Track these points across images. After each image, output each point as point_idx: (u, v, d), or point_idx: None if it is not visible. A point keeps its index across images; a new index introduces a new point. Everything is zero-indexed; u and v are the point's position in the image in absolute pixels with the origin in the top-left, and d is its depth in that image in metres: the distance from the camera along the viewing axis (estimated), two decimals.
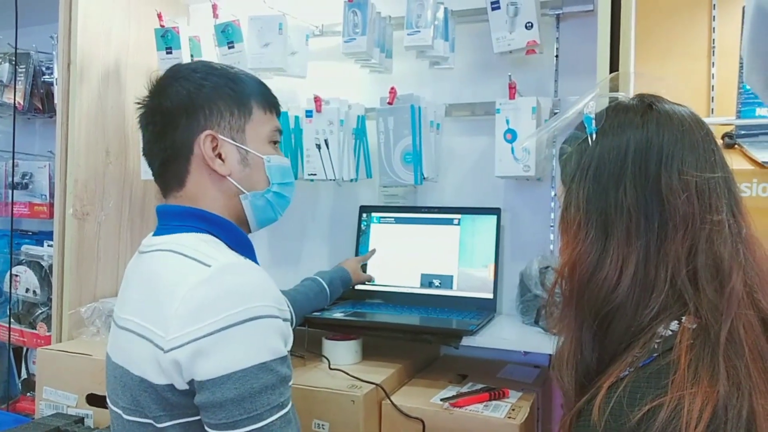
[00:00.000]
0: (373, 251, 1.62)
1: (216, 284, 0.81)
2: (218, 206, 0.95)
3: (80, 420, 1.42)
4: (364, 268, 1.60)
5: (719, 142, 0.76)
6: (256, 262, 0.93)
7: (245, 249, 0.94)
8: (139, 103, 0.99)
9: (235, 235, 0.94)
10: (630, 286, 0.66)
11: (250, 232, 1.01)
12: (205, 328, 0.78)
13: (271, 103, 1.02)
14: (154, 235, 0.95)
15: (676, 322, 0.64)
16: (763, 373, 0.59)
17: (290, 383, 0.84)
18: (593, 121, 0.72)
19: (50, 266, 1.77)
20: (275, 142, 1.02)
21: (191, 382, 0.80)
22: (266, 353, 0.81)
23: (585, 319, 0.69)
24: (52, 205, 1.95)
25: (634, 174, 0.68)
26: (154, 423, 0.84)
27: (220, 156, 0.94)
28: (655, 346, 0.64)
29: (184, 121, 0.94)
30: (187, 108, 0.93)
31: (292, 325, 1.31)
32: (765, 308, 0.64)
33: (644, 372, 0.62)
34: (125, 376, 0.87)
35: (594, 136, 0.72)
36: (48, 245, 1.89)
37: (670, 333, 0.64)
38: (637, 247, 0.66)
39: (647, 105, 0.72)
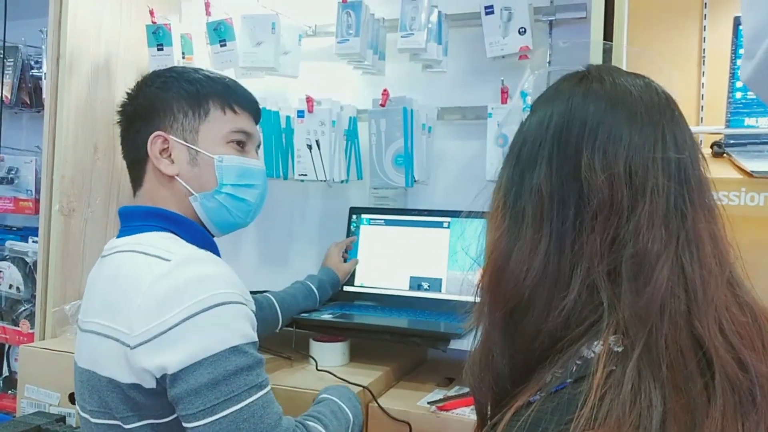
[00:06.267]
0: (353, 239, 1.60)
1: (176, 275, 0.81)
2: (171, 207, 0.95)
3: (62, 419, 1.40)
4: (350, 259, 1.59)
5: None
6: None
7: (207, 246, 0.93)
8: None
9: (195, 232, 0.94)
10: (539, 278, 0.56)
11: (213, 236, 1.00)
12: (171, 320, 0.78)
13: (233, 103, 0.99)
14: (117, 237, 0.95)
15: (600, 342, 0.53)
16: (683, 396, 0.49)
17: (264, 367, 0.84)
18: (528, 97, 0.67)
19: (35, 263, 1.75)
20: (239, 143, 1.00)
21: (163, 378, 0.79)
22: (237, 337, 0.80)
23: (494, 314, 0.62)
24: (37, 200, 1.93)
25: (551, 152, 0.58)
26: (122, 424, 0.84)
27: (170, 156, 0.95)
28: (573, 370, 0.53)
29: (141, 125, 0.96)
30: (146, 111, 0.96)
31: (277, 325, 1.31)
32: (700, 328, 0.51)
33: (552, 401, 0.52)
34: (93, 378, 0.87)
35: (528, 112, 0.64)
36: (33, 241, 1.86)
37: (593, 355, 0.52)
38: (545, 233, 0.56)
39: (582, 74, 0.63)
